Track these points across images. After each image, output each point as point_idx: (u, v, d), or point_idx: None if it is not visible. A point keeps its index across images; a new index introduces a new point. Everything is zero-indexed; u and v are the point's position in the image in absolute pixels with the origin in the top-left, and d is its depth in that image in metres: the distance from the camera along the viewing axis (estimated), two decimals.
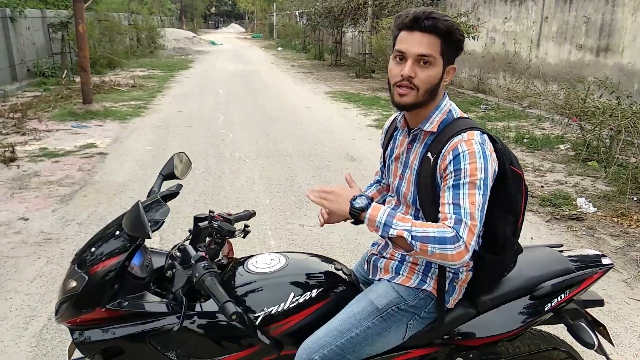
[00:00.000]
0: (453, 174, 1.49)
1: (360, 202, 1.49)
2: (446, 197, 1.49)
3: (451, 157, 1.50)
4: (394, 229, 1.45)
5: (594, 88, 6.93)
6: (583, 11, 9.02)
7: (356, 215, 1.50)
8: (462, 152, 1.49)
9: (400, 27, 1.56)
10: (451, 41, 1.53)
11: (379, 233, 1.48)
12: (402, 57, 1.54)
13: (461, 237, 1.42)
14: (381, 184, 2.00)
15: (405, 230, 1.44)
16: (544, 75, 9.77)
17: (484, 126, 7.89)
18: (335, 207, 1.53)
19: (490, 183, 1.50)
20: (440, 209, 1.50)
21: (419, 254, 1.45)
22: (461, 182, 1.48)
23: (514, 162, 1.62)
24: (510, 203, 1.59)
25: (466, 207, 1.45)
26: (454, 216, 1.45)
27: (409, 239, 1.43)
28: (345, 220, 1.70)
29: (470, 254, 1.44)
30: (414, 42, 1.51)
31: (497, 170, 1.54)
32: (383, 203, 1.91)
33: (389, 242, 1.55)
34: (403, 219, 1.47)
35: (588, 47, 8.94)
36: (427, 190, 1.58)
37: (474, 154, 1.48)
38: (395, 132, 1.78)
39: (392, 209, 1.76)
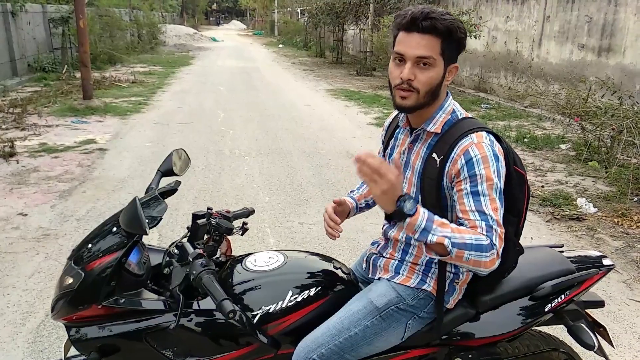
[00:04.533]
0: (469, 180, 1.46)
1: (409, 207, 1.35)
2: (466, 204, 1.45)
3: (463, 161, 1.47)
4: (434, 234, 1.38)
5: (596, 88, 6.91)
6: (585, 11, 9.00)
7: (392, 217, 1.40)
8: (475, 156, 1.46)
9: (398, 27, 1.52)
10: (452, 40, 1.49)
11: (415, 237, 1.39)
12: (401, 59, 1.51)
13: (495, 244, 1.40)
14: None
15: (445, 237, 1.37)
16: (545, 74, 9.75)
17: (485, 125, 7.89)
18: (381, 200, 1.36)
19: (502, 186, 1.49)
20: (462, 216, 1.46)
21: (452, 259, 1.40)
22: (479, 188, 1.45)
23: (518, 163, 1.60)
24: (512, 203, 1.57)
25: (491, 214, 1.43)
26: (483, 223, 1.42)
27: (449, 247, 1.37)
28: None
29: (499, 260, 1.42)
30: (412, 44, 1.48)
31: (507, 170, 1.52)
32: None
33: (423, 246, 1.48)
34: (442, 225, 1.39)
35: (590, 47, 8.92)
36: (431, 191, 1.55)
37: (487, 158, 1.46)
38: (397, 131, 1.75)
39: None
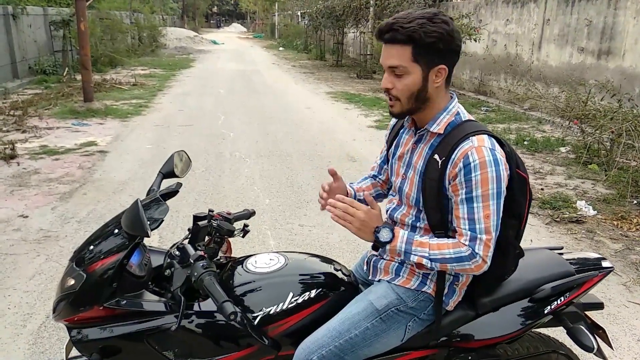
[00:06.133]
0: (464, 185, 1.49)
1: (384, 236, 1.53)
2: (460, 211, 1.51)
3: (462, 165, 1.48)
4: (414, 255, 1.53)
5: (595, 91, 6.92)
6: (585, 14, 9.02)
7: (377, 246, 1.57)
8: (473, 161, 1.47)
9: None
10: (422, 46, 1.47)
11: (400, 258, 1.59)
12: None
13: (477, 253, 1.48)
14: (376, 179, 1.99)
15: (423, 257, 1.52)
16: (545, 77, 9.77)
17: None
18: (359, 235, 1.55)
19: (504, 189, 1.50)
20: (455, 222, 1.53)
21: (440, 270, 1.56)
22: (473, 194, 1.48)
23: (520, 166, 1.61)
24: (514, 206, 1.58)
25: (480, 221, 1.48)
26: (469, 233, 1.49)
27: (429, 264, 1.52)
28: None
29: (489, 262, 1.51)
30: (385, 55, 1.54)
31: (509, 174, 1.53)
32: (376, 197, 1.94)
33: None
34: (421, 244, 1.53)
35: (589, 50, 8.94)
36: (432, 192, 1.56)
37: (484, 164, 1.47)
38: (402, 130, 1.76)
39: (393, 209, 1.75)
